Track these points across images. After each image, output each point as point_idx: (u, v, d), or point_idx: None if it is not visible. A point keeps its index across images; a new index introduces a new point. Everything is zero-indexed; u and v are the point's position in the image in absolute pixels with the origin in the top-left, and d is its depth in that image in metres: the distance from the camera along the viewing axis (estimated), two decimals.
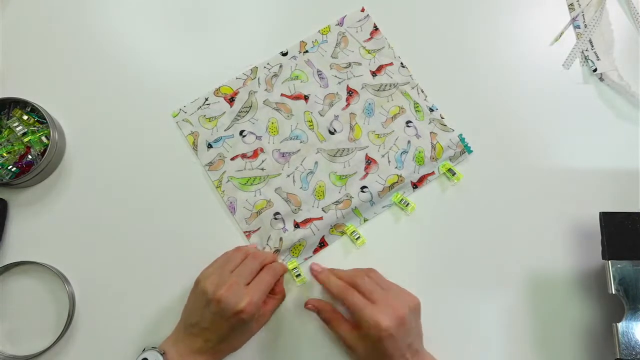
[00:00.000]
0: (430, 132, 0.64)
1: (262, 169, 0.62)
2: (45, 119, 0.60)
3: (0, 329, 0.58)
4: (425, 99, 0.65)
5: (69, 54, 0.66)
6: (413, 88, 0.65)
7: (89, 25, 0.67)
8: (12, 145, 0.60)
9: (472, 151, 0.64)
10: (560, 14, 0.68)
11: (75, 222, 0.61)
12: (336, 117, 0.64)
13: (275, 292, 0.58)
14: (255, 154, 0.63)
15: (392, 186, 0.62)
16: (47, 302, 0.59)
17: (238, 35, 0.67)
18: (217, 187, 0.62)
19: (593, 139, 0.65)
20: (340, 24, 0.67)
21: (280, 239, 0.60)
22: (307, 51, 0.66)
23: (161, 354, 0.51)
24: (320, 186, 0.62)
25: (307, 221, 0.61)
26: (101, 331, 0.58)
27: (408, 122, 0.64)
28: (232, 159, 0.62)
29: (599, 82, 0.66)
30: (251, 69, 0.65)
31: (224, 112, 0.64)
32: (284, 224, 0.60)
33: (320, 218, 0.61)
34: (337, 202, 0.61)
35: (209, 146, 0.63)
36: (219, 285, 0.52)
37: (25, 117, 0.61)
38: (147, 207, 0.61)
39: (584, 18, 0.68)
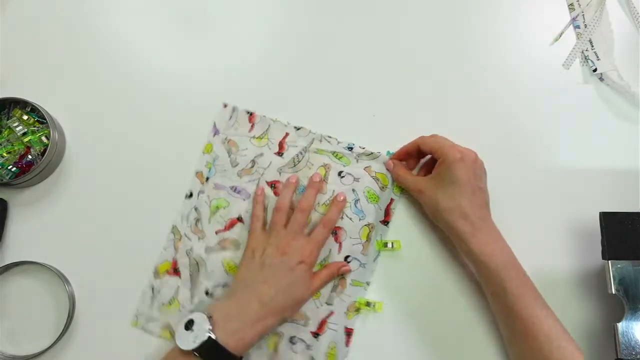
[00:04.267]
0: (364, 168, 0.61)
1: None
2: (45, 119, 0.60)
3: (0, 329, 0.58)
4: (338, 143, 0.62)
5: (69, 54, 0.66)
6: (321, 141, 0.62)
7: (89, 25, 0.67)
8: (12, 145, 0.60)
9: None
10: (560, 14, 0.68)
11: (75, 222, 0.61)
12: None
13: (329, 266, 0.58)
14: None
15: (368, 238, 0.59)
16: (47, 302, 0.59)
17: (238, 35, 0.67)
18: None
19: (593, 139, 0.65)
20: (217, 132, 0.63)
21: (312, 358, 0.56)
22: (208, 178, 0.61)
23: (208, 317, 0.50)
24: None
25: (322, 324, 0.57)
26: (101, 331, 0.58)
27: (340, 173, 0.60)
28: None
29: (599, 82, 0.66)
30: (172, 231, 0.60)
31: (178, 287, 0.59)
32: (304, 341, 0.56)
33: (332, 313, 0.57)
34: (334, 289, 0.58)
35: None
36: (280, 243, 0.55)
37: (25, 117, 0.61)
38: (147, 207, 0.61)
39: (584, 18, 0.68)
